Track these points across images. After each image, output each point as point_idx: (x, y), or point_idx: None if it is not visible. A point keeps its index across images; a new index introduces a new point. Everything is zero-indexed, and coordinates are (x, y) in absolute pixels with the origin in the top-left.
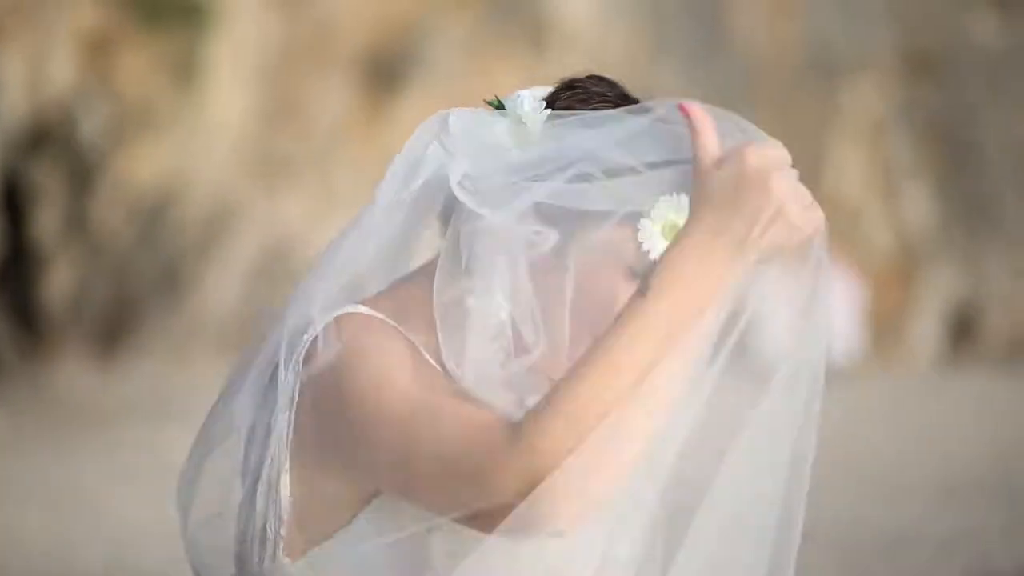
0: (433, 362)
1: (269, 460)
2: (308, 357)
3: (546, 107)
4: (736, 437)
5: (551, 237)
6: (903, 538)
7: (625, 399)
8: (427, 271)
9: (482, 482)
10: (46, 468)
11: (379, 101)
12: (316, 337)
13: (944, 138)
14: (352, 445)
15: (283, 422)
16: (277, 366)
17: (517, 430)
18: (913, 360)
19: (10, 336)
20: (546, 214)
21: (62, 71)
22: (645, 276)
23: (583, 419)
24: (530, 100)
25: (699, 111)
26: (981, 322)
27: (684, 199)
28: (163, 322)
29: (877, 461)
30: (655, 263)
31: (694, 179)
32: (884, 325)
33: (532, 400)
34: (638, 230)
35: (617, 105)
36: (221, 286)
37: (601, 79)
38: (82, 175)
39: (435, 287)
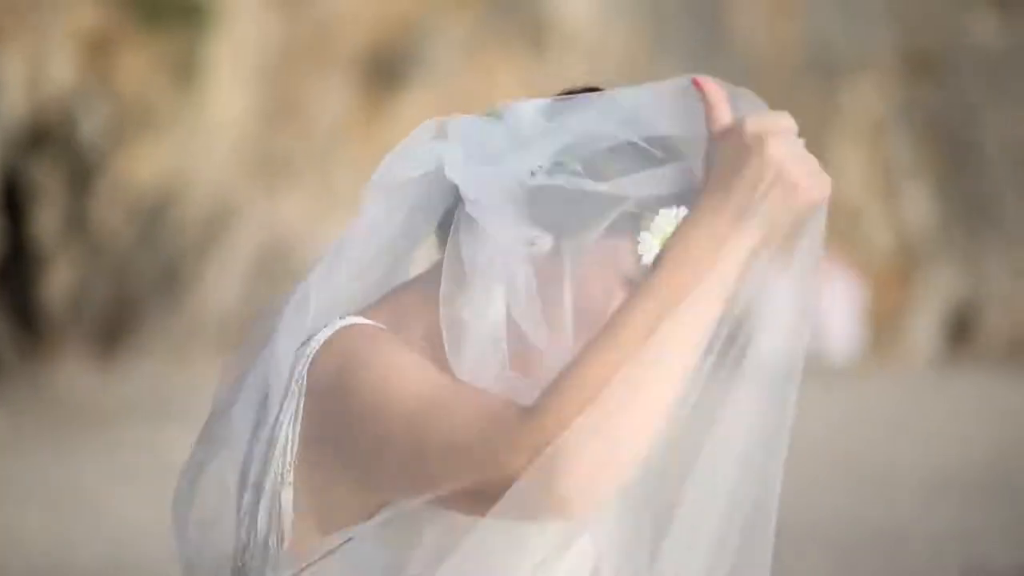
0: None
1: (272, 474)
2: (310, 372)
3: None
4: (712, 429)
5: (549, 246)
6: (901, 536)
7: (634, 370)
8: (424, 280)
9: (497, 467)
10: (46, 468)
11: (379, 101)
12: (317, 351)
13: (944, 138)
14: (360, 450)
15: (286, 436)
16: (276, 379)
17: (530, 412)
18: (912, 360)
19: (10, 336)
20: (545, 222)
21: (62, 71)
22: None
23: (594, 396)
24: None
25: (713, 84)
26: (980, 322)
27: (684, 212)
28: (163, 322)
29: (875, 460)
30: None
31: (707, 152)
32: (883, 325)
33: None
34: (638, 242)
35: None
36: (221, 286)
37: (596, 90)
38: (82, 175)
39: (442, 295)
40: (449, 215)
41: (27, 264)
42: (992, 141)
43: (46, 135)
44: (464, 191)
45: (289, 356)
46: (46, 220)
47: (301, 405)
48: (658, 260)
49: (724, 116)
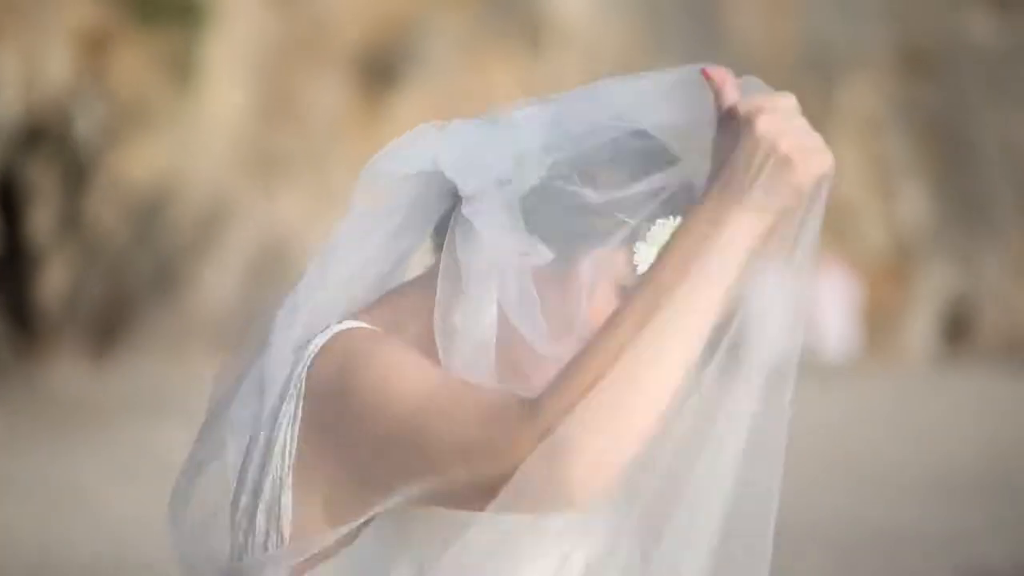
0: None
1: (271, 476)
2: (309, 374)
3: None
4: (709, 430)
5: (546, 254)
6: (899, 536)
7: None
8: (420, 283)
9: (498, 462)
10: (42, 466)
11: (376, 99)
12: (316, 354)
13: (941, 136)
14: (362, 450)
15: (285, 437)
16: (274, 381)
17: (531, 406)
18: (908, 358)
19: (6, 334)
20: (542, 232)
21: (58, 69)
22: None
23: (596, 387)
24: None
25: (721, 71)
26: (977, 320)
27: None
28: (159, 320)
29: (873, 459)
30: None
31: (713, 141)
32: (880, 323)
33: None
34: (634, 252)
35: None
36: (217, 284)
37: None
38: (78, 173)
39: (437, 301)
40: (445, 220)
41: (23, 263)
42: (989, 140)
43: (42, 133)
44: (463, 189)
45: (287, 358)
46: (42, 219)
47: (300, 407)
48: (661, 250)
49: (730, 97)
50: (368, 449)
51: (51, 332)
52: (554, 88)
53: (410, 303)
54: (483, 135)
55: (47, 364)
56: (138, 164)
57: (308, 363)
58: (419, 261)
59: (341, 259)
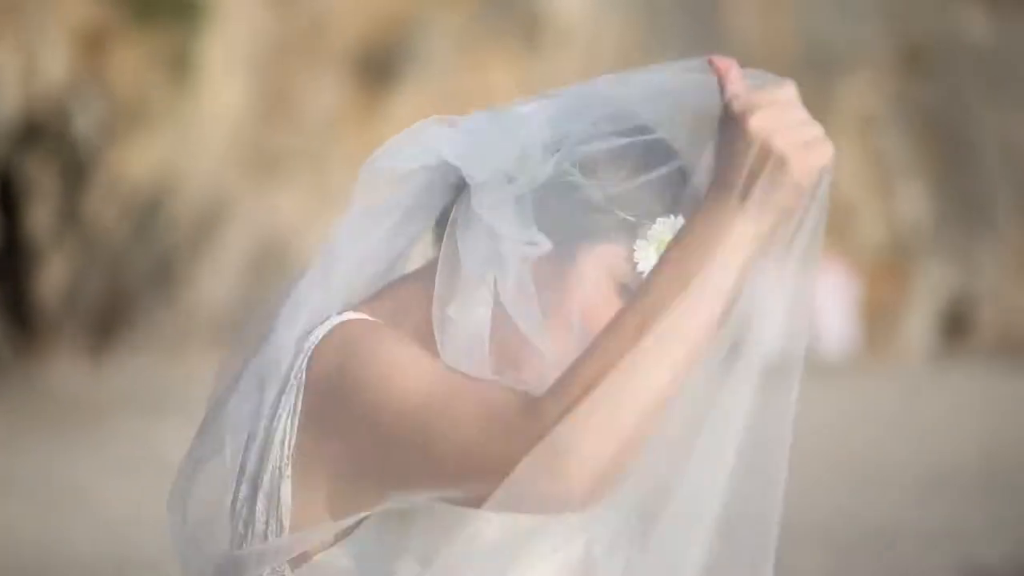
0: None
1: (271, 468)
2: (310, 367)
3: None
4: (709, 429)
5: (546, 245)
6: (896, 532)
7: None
8: (421, 274)
9: (499, 459)
10: (41, 463)
11: (373, 96)
12: (316, 346)
13: (940, 135)
14: (363, 447)
15: (284, 429)
16: (274, 374)
17: (532, 403)
18: (907, 356)
19: (4, 331)
20: (543, 226)
21: (56, 66)
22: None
23: (598, 386)
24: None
25: (727, 61)
26: (974, 318)
27: (681, 222)
28: (157, 317)
29: (872, 457)
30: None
31: (716, 138)
32: (878, 321)
33: None
34: (634, 250)
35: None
36: (215, 281)
37: None
38: (76, 170)
39: (436, 293)
40: (446, 213)
41: (21, 259)
42: (988, 138)
43: (40, 130)
44: (471, 180)
45: (288, 351)
46: (40, 215)
47: (300, 399)
48: (664, 252)
49: (733, 87)
50: (368, 445)
51: (50, 330)
52: (553, 87)
53: (410, 294)
54: (488, 128)
55: (46, 362)
56: (137, 162)
57: (308, 354)
58: (420, 253)
59: (342, 257)
